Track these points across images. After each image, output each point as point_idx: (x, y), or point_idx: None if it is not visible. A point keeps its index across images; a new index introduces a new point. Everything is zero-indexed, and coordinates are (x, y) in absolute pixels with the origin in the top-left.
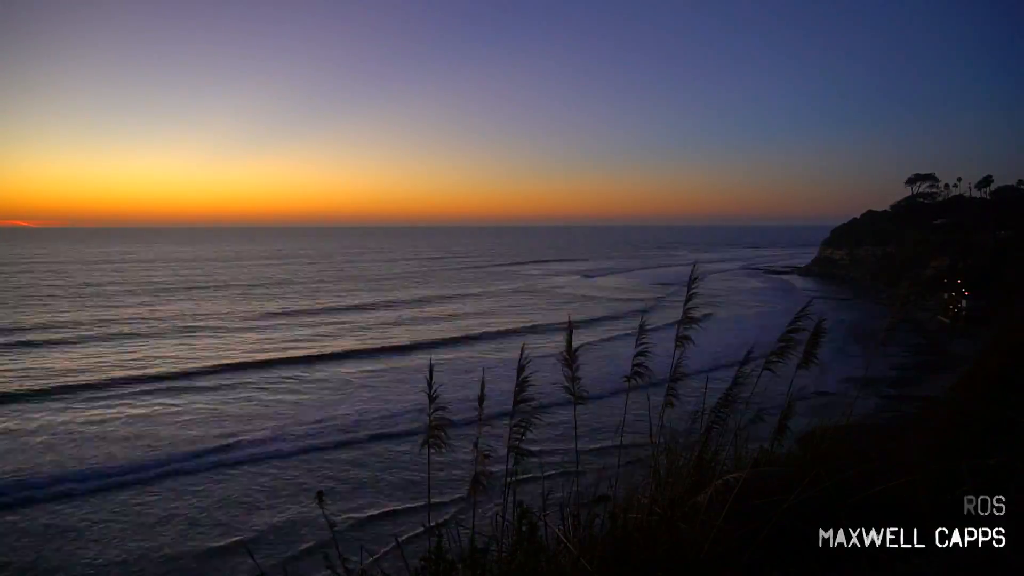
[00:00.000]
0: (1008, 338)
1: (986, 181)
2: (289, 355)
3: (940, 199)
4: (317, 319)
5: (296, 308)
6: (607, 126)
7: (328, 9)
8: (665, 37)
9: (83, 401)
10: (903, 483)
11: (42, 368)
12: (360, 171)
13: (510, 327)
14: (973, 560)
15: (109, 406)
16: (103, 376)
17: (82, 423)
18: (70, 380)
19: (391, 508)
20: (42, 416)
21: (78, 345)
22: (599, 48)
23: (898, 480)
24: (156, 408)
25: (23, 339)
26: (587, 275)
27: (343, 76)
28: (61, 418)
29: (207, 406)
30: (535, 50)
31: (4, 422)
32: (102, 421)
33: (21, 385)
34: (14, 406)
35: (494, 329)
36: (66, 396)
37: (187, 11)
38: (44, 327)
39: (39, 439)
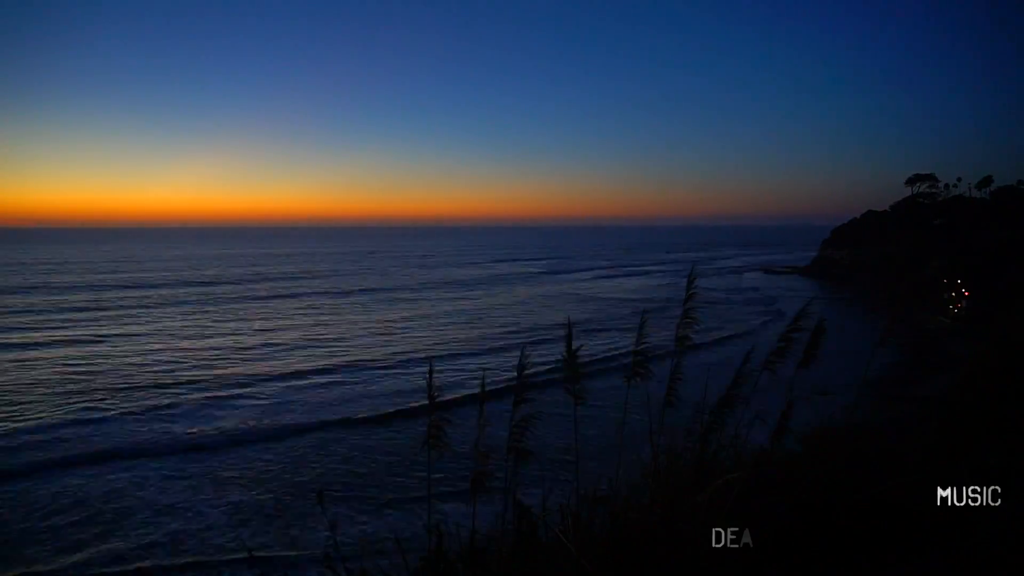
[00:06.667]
0: (1008, 338)
1: (986, 181)
2: None
3: (940, 199)
4: None
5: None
6: (596, 123)
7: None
8: (661, 35)
9: None
10: (903, 483)
11: None
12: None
13: None
14: (973, 560)
15: None
16: None
17: None
18: None
19: None
20: None
21: None
22: (584, 41)
23: (898, 480)
24: None
25: None
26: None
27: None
28: None
29: None
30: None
31: None
32: None
33: None
34: None
35: None
36: None
37: (182, 15)
38: None
39: None
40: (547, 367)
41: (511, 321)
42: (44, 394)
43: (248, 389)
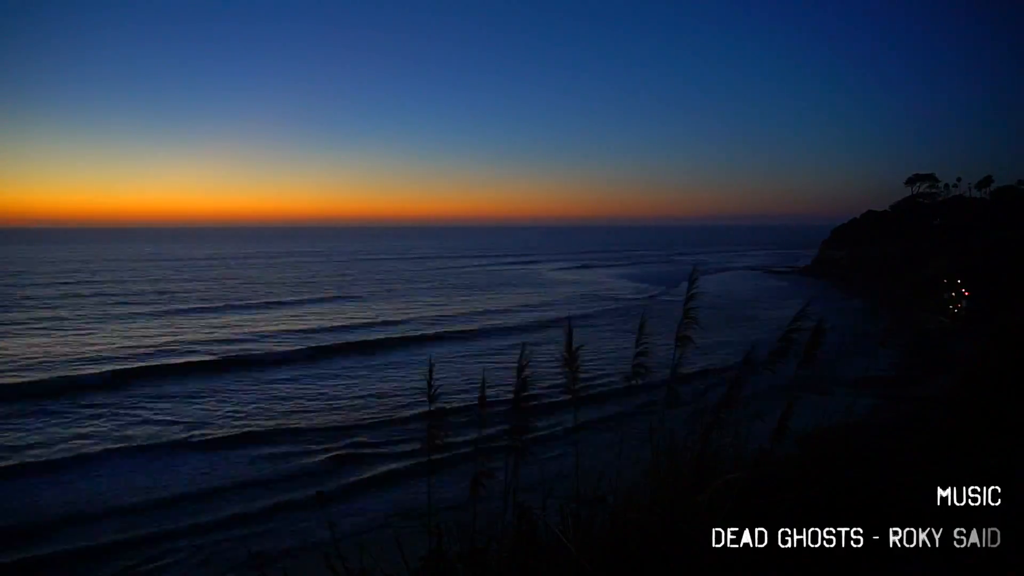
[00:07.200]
0: (1008, 338)
1: (986, 181)
2: None
3: (940, 199)
4: None
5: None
6: (595, 121)
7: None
8: (661, 37)
9: None
10: (903, 483)
11: None
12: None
13: None
14: (973, 560)
15: None
16: None
17: None
18: None
19: None
20: None
21: None
22: (582, 42)
23: (898, 480)
24: None
25: None
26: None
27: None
28: None
29: None
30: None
31: None
32: None
33: None
34: None
35: None
36: None
37: (180, 19)
38: None
39: None
40: None
41: None
42: None
43: None
